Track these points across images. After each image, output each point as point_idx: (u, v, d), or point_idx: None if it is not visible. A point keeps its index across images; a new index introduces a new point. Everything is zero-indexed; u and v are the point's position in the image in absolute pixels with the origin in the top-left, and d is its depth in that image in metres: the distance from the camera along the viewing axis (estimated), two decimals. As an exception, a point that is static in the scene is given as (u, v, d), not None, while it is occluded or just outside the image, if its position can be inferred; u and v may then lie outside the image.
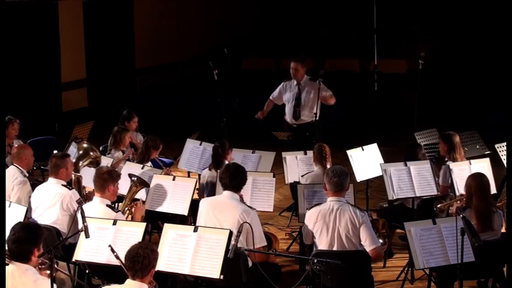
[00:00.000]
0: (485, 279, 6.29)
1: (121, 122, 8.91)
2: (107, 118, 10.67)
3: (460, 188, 6.89)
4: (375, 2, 15.07)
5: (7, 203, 6.02)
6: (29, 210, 6.29)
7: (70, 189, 6.39)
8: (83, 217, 5.06)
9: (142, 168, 7.47)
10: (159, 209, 6.88)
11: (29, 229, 4.62)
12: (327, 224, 5.56)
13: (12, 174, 6.89)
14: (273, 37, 18.48)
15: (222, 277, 5.04)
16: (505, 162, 7.81)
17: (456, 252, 5.17)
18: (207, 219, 5.73)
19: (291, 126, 9.21)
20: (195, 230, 5.26)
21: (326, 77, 9.19)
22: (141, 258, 4.38)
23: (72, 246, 5.65)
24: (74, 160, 7.04)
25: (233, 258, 5.08)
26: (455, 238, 5.18)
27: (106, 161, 7.59)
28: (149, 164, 7.80)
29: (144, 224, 5.51)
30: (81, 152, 7.33)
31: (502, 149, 7.98)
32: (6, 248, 4.64)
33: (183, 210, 6.79)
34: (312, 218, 5.62)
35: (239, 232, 5.10)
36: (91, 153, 7.31)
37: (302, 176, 7.52)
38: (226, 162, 7.11)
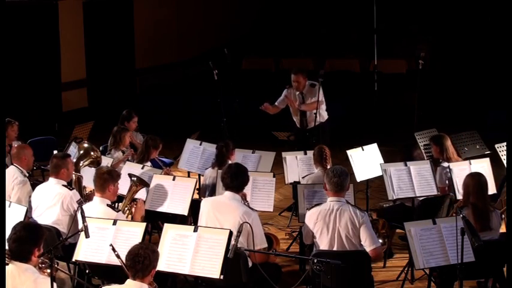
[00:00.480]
0: (485, 279, 6.29)
1: (121, 122, 8.92)
2: (107, 118, 10.68)
3: (460, 188, 6.90)
4: (375, 2, 15.07)
5: (7, 203, 6.02)
6: (29, 210, 6.29)
7: (70, 190, 6.39)
8: (83, 217, 5.06)
9: (142, 168, 7.47)
10: (159, 209, 6.88)
11: (30, 229, 4.63)
12: (327, 224, 5.56)
13: (12, 174, 6.89)
14: (273, 37, 18.48)
15: (222, 277, 5.04)
16: (505, 162, 7.81)
17: (456, 252, 5.17)
18: (208, 219, 5.73)
19: (300, 129, 9.20)
20: (195, 230, 5.26)
21: (326, 77, 9.19)
22: (141, 259, 4.38)
23: (72, 246, 5.65)
24: (74, 160, 7.04)
25: (233, 258, 5.08)
26: (455, 238, 5.18)
27: (106, 161, 7.60)
28: (149, 163, 7.80)
29: (144, 224, 5.52)
30: (81, 152, 7.34)
31: (502, 149, 7.98)
32: (7, 247, 4.64)
33: (183, 210, 6.79)
34: (312, 218, 5.63)
35: (239, 232, 5.10)
36: (92, 153, 7.32)
37: (303, 177, 7.53)
38: (230, 162, 7.11)
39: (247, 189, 6.31)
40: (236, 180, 5.80)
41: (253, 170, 7.58)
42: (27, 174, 7.07)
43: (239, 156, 7.88)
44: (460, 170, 7.11)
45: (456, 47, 16.50)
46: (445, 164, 7.35)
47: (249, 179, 6.03)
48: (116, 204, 6.66)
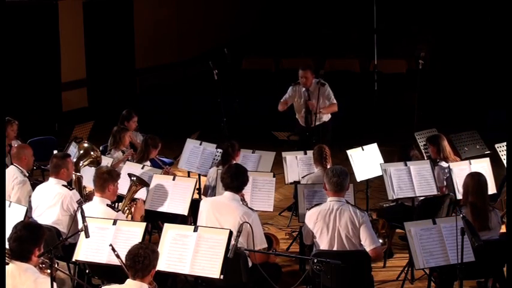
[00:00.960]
0: (485, 279, 6.29)
1: (121, 122, 8.92)
2: (107, 118, 10.68)
3: (459, 188, 6.91)
4: (375, 2, 15.07)
5: (7, 202, 6.02)
6: (29, 210, 6.29)
7: (70, 190, 6.39)
8: (83, 217, 5.06)
9: (142, 168, 7.47)
10: (159, 209, 6.88)
11: (31, 228, 4.63)
12: (327, 224, 5.56)
13: (12, 174, 6.89)
14: (273, 37, 18.49)
15: (222, 277, 5.04)
16: (505, 162, 7.82)
17: (456, 252, 5.17)
18: (207, 219, 5.73)
19: (303, 128, 9.17)
20: (195, 230, 5.26)
21: (326, 77, 9.18)
22: (141, 258, 4.39)
23: (72, 246, 5.65)
24: (74, 160, 7.04)
25: (233, 258, 5.08)
26: (455, 238, 5.18)
27: (106, 161, 7.60)
28: (148, 163, 7.80)
29: (144, 224, 5.51)
30: (81, 152, 7.33)
31: (502, 149, 7.98)
32: (7, 247, 4.65)
33: (183, 210, 6.79)
34: (312, 218, 5.63)
35: (239, 232, 5.10)
36: (92, 153, 7.32)
37: (303, 177, 7.52)
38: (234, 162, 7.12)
39: (247, 189, 6.32)
40: (236, 180, 5.80)
41: (253, 170, 7.58)
42: (27, 174, 7.06)
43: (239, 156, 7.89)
44: (460, 170, 7.12)
45: (456, 47, 16.51)
46: (443, 164, 7.36)
47: (249, 180, 6.03)
48: (116, 204, 6.66)
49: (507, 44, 10.93)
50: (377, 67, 14.87)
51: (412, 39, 16.72)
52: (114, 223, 5.48)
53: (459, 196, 6.92)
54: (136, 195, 6.80)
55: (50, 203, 6.33)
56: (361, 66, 16.19)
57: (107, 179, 6.07)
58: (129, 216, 6.45)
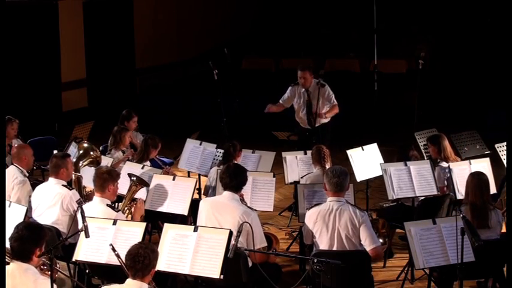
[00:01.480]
0: (485, 279, 6.30)
1: (121, 122, 8.92)
2: (107, 118, 10.68)
3: (459, 188, 6.91)
4: (375, 2, 15.06)
5: (7, 202, 6.02)
6: (29, 210, 6.29)
7: (70, 190, 6.39)
8: (83, 217, 5.06)
9: (142, 168, 7.47)
10: (159, 209, 6.88)
11: (33, 229, 4.63)
12: (327, 224, 5.56)
13: (12, 174, 6.89)
14: (273, 37, 18.48)
15: (222, 277, 5.04)
16: (505, 162, 7.82)
17: (456, 252, 5.17)
18: (207, 219, 5.73)
19: (304, 129, 9.14)
20: (195, 230, 5.26)
21: (326, 77, 9.17)
22: (141, 258, 4.39)
23: (72, 246, 5.65)
24: (74, 160, 7.04)
25: (233, 258, 5.08)
26: (455, 238, 5.18)
27: (106, 161, 7.60)
28: (148, 163, 7.80)
29: (144, 224, 5.51)
30: (81, 152, 7.33)
31: (502, 149, 7.99)
32: (8, 246, 4.64)
33: (183, 210, 6.79)
34: (312, 218, 5.63)
35: (239, 232, 5.10)
36: (91, 153, 7.32)
37: (302, 177, 7.53)
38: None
39: (247, 189, 6.33)
40: (235, 179, 5.80)
41: (253, 170, 7.59)
42: (27, 174, 7.07)
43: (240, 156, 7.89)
44: (460, 170, 7.12)
45: (456, 47, 16.51)
46: (444, 164, 7.36)
47: (247, 179, 6.03)
48: (116, 204, 6.66)
49: (507, 44, 10.94)
50: (377, 67, 14.86)
51: (412, 39, 16.72)
52: (114, 223, 5.48)
53: (459, 196, 6.92)
54: (136, 195, 6.80)
55: (49, 203, 6.33)
56: (361, 66, 16.18)
57: (106, 179, 6.07)
58: (129, 216, 6.45)
